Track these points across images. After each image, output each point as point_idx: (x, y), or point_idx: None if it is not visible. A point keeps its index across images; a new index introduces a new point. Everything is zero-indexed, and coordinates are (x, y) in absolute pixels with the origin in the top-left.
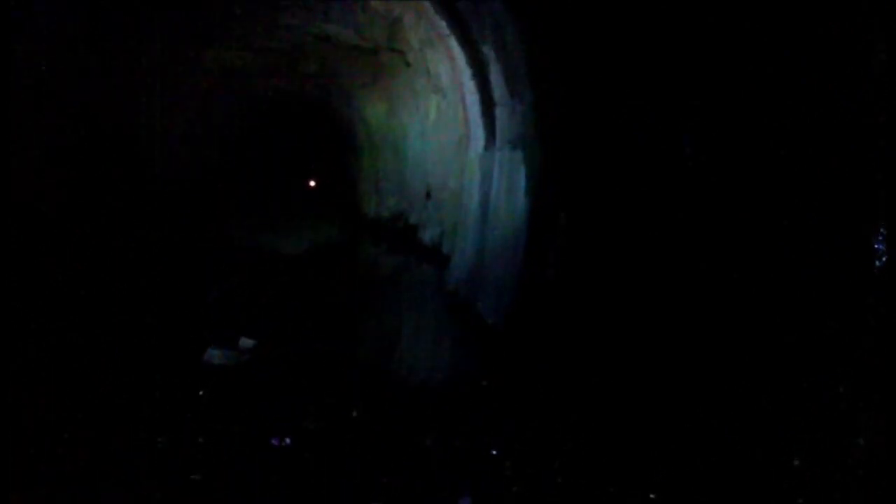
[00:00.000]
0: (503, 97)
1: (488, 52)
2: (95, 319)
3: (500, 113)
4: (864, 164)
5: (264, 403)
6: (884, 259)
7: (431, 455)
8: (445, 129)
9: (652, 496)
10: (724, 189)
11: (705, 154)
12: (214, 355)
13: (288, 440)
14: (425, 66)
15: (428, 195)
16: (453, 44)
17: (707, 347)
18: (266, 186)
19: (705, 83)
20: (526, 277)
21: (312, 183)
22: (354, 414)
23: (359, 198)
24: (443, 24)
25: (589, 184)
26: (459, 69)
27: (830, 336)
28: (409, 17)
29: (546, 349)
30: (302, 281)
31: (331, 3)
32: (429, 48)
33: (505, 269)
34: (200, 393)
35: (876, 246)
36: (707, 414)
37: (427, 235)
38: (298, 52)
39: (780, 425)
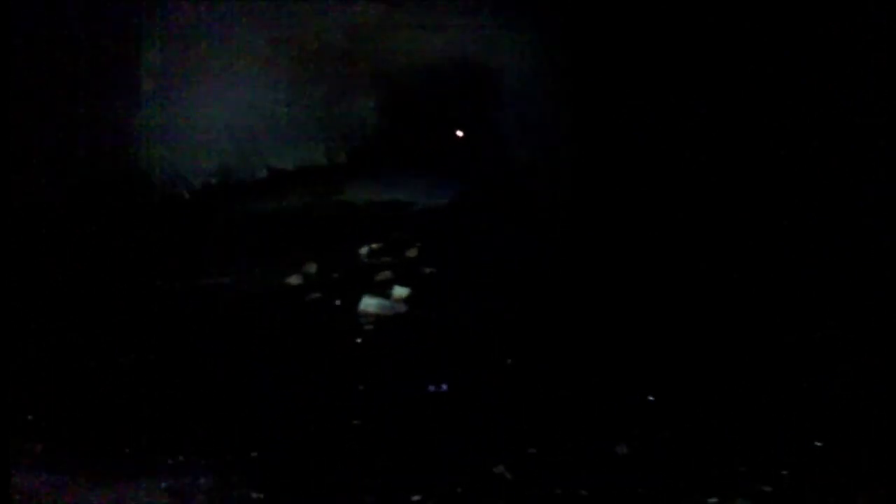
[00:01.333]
0: None
1: None
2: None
3: None
4: None
5: (418, 351)
6: None
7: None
8: None
9: None
10: None
11: None
12: (370, 304)
13: (444, 386)
14: None
15: None
16: None
17: None
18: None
19: None
20: None
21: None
22: (508, 362)
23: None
24: None
25: None
26: None
27: None
28: None
29: None
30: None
31: None
32: None
33: None
34: (358, 340)
35: None
36: None
37: None
38: None
39: None
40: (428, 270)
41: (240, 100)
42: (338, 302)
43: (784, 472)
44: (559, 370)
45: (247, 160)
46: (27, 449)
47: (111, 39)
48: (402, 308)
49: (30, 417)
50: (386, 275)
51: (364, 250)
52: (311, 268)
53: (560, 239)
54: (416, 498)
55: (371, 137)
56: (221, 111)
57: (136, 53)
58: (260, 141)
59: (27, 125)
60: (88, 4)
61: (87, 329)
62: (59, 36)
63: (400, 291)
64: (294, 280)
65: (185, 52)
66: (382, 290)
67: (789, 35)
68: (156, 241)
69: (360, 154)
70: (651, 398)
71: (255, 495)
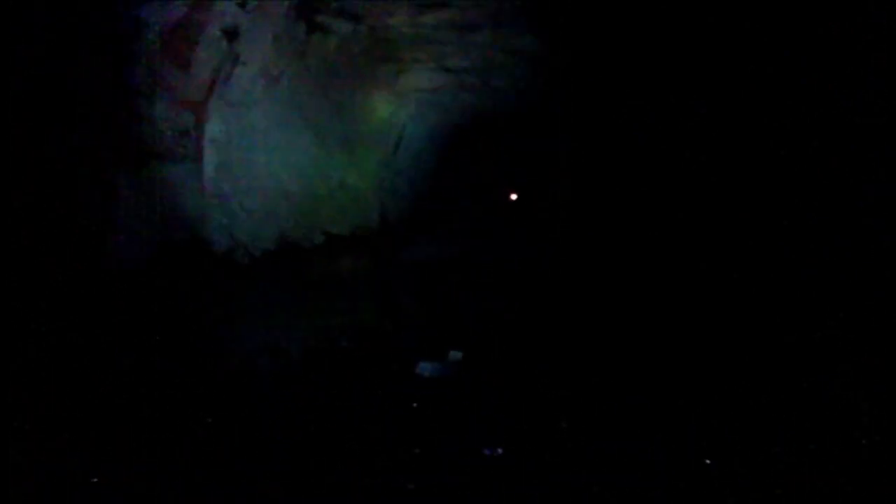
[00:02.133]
0: None
1: None
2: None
3: None
4: None
5: (474, 414)
6: None
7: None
8: None
9: None
10: None
11: None
12: (426, 368)
13: (500, 450)
14: None
15: None
16: None
17: None
18: (462, 200)
19: None
20: None
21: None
22: (563, 425)
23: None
24: None
25: None
26: None
27: None
28: None
29: None
30: (514, 293)
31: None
32: None
33: None
34: (414, 405)
35: None
36: None
37: None
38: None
39: None
40: (481, 334)
41: (298, 168)
42: (394, 366)
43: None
44: (611, 434)
45: (304, 226)
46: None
47: (175, 110)
48: (457, 372)
49: (95, 480)
50: (440, 339)
51: (420, 313)
52: (367, 331)
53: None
54: None
55: (426, 200)
56: (280, 179)
57: (199, 123)
58: (317, 208)
59: (106, 194)
60: (153, 78)
61: (149, 383)
62: (131, 114)
63: (455, 355)
64: (350, 343)
65: (244, 122)
66: (438, 354)
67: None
68: (217, 305)
69: (415, 217)
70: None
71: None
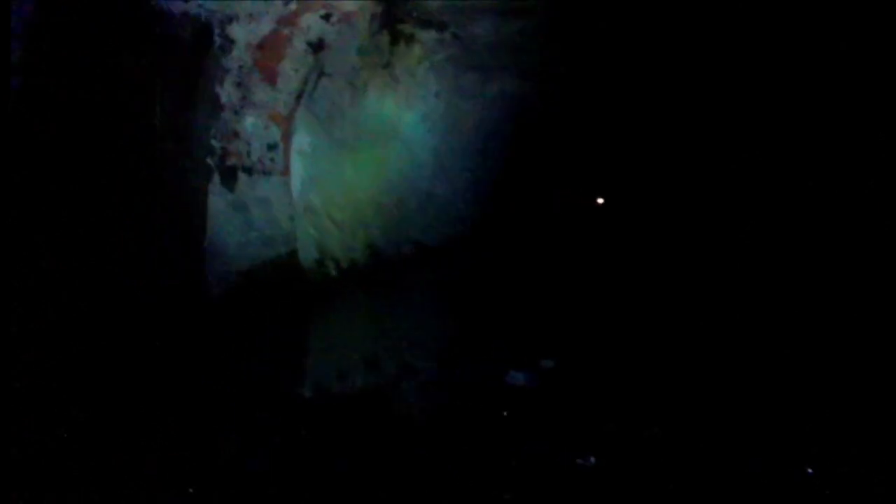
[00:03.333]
0: None
1: None
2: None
3: None
4: None
5: (566, 424)
6: None
7: None
8: None
9: None
10: None
11: None
12: (517, 377)
13: (592, 459)
14: None
15: None
16: None
17: None
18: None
19: None
20: None
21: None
22: (655, 430)
23: None
24: None
25: None
26: None
27: None
28: None
29: None
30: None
31: None
32: None
33: None
34: (505, 414)
35: None
36: None
37: None
38: None
39: None
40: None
41: (387, 179)
42: (486, 375)
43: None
44: (704, 441)
45: (393, 237)
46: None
47: (263, 123)
48: (549, 380)
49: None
50: (532, 347)
51: (509, 321)
52: (459, 341)
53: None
54: None
55: (514, 205)
56: (368, 191)
57: (286, 136)
58: (406, 218)
59: (195, 208)
60: (239, 93)
61: (246, 408)
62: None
63: (546, 364)
64: (441, 354)
65: (331, 134)
66: (529, 363)
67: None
68: (309, 322)
69: (496, 226)
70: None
71: None
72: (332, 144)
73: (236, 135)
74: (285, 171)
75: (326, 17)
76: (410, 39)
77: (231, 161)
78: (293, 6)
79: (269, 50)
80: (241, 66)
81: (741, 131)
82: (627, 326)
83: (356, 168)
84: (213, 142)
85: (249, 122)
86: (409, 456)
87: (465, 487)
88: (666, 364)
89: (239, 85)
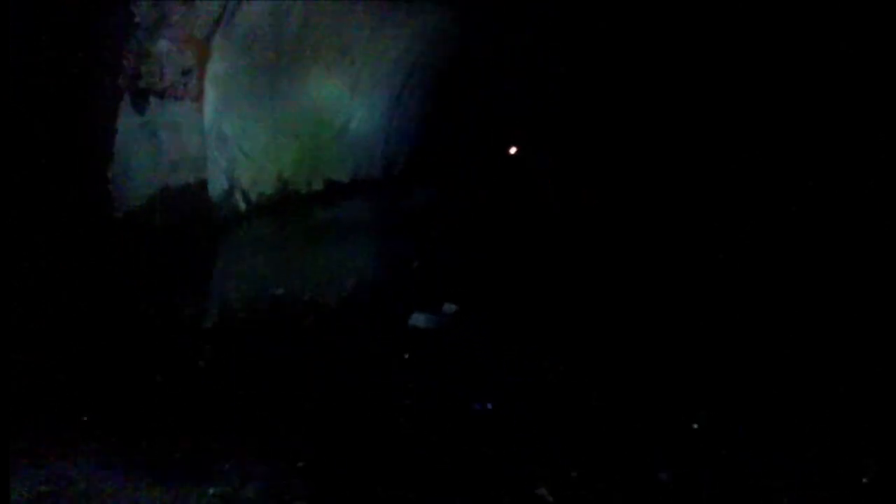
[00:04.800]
0: None
1: None
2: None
3: None
4: None
5: (464, 366)
6: None
7: None
8: None
9: None
10: None
11: None
12: (419, 319)
13: (489, 405)
14: None
15: None
16: None
17: None
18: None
19: None
20: None
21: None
22: (555, 375)
23: None
24: None
25: None
26: None
27: None
28: None
29: None
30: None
31: None
32: None
33: None
34: (406, 356)
35: None
36: None
37: None
38: None
39: None
40: (476, 286)
41: (304, 110)
42: (388, 316)
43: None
44: (605, 390)
45: (305, 172)
46: (82, 450)
47: (178, 45)
48: (451, 324)
49: (85, 418)
50: (435, 290)
51: (415, 264)
52: (364, 280)
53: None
54: None
55: (426, 148)
56: (283, 122)
57: (202, 61)
58: (319, 153)
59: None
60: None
61: (146, 331)
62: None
63: (449, 308)
64: (346, 292)
65: (249, 61)
66: (432, 306)
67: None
68: (214, 252)
69: (420, 165)
70: (695, 426)
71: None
72: (249, 73)
73: (149, 56)
74: (198, 98)
75: None
76: None
77: (142, 83)
78: None
79: None
80: None
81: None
82: (538, 271)
83: (271, 98)
84: (125, 62)
85: (164, 44)
86: (306, 392)
87: (354, 425)
88: (570, 308)
89: (155, 5)
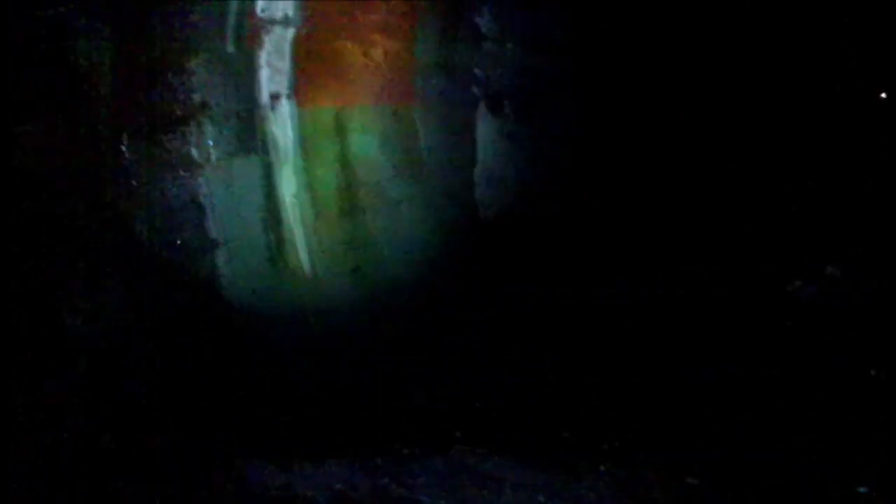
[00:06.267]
0: None
1: None
2: None
3: None
4: None
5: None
6: None
7: None
8: None
9: None
10: None
11: None
12: (798, 286)
13: None
14: None
15: None
16: None
17: None
18: None
19: None
20: None
21: None
22: None
23: None
24: None
25: None
26: None
27: None
28: None
29: None
30: None
31: None
32: None
33: None
34: (788, 324)
35: None
36: None
37: None
38: None
39: None
40: None
41: None
42: None
43: None
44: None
45: None
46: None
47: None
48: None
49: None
50: None
51: None
52: None
53: None
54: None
55: None
56: None
57: None
58: None
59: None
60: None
61: None
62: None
63: (832, 270)
64: None
65: None
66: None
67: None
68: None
69: None
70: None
71: (690, 480)
72: None
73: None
74: None
75: None
76: None
77: (494, 88)
78: None
79: None
80: None
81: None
82: None
83: None
84: (477, 71)
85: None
86: None
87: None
88: None
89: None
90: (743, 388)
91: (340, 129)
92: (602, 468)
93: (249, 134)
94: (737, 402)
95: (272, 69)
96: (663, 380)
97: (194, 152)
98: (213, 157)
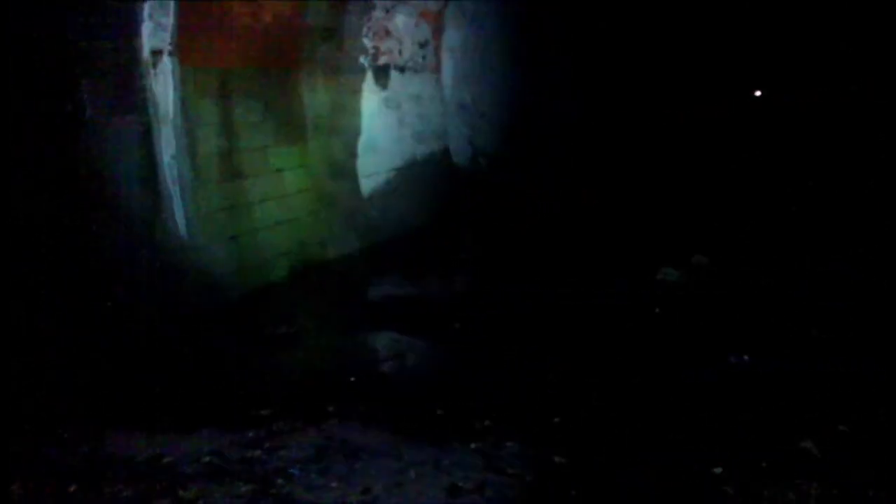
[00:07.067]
0: None
1: None
2: None
3: None
4: None
5: (718, 320)
6: None
7: None
8: None
9: None
10: None
11: None
12: (669, 273)
13: (746, 357)
14: None
15: None
16: None
17: None
18: None
19: None
20: None
21: None
22: (813, 333)
23: None
24: None
25: None
26: None
27: None
28: None
29: None
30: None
31: None
32: None
33: None
34: (656, 310)
35: None
36: None
37: None
38: None
39: None
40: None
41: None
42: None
43: None
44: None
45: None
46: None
47: (414, 20)
48: (703, 278)
49: (352, 379)
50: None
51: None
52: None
53: None
54: (717, 470)
55: None
56: (515, 87)
57: (437, 33)
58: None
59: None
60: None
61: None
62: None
63: (700, 259)
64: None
65: (481, 31)
66: (683, 259)
67: None
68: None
69: None
70: None
71: (557, 459)
72: (480, 41)
73: (388, 33)
74: (436, 69)
75: None
76: None
77: (383, 59)
78: None
79: None
80: None
81: None
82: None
83: (503, 66)
84: (366, 41)
85: (400, 20)
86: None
87: (611, 382)
88: None
89: None
90: (612, 371)
91: (224, 91)
92: (473, 445)
93: (129, 91)
94: (607, 385)
95: (155, 23)
96: (537, 360)
97: (69, 108)
98: (89, 115)
